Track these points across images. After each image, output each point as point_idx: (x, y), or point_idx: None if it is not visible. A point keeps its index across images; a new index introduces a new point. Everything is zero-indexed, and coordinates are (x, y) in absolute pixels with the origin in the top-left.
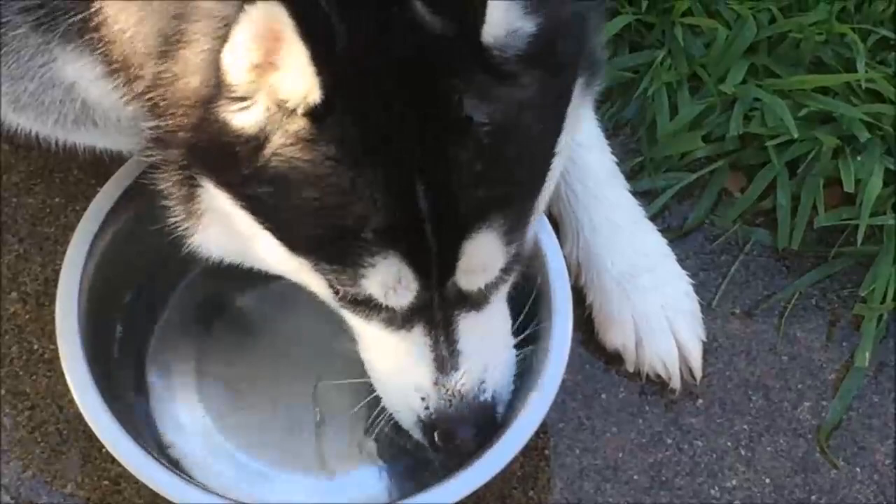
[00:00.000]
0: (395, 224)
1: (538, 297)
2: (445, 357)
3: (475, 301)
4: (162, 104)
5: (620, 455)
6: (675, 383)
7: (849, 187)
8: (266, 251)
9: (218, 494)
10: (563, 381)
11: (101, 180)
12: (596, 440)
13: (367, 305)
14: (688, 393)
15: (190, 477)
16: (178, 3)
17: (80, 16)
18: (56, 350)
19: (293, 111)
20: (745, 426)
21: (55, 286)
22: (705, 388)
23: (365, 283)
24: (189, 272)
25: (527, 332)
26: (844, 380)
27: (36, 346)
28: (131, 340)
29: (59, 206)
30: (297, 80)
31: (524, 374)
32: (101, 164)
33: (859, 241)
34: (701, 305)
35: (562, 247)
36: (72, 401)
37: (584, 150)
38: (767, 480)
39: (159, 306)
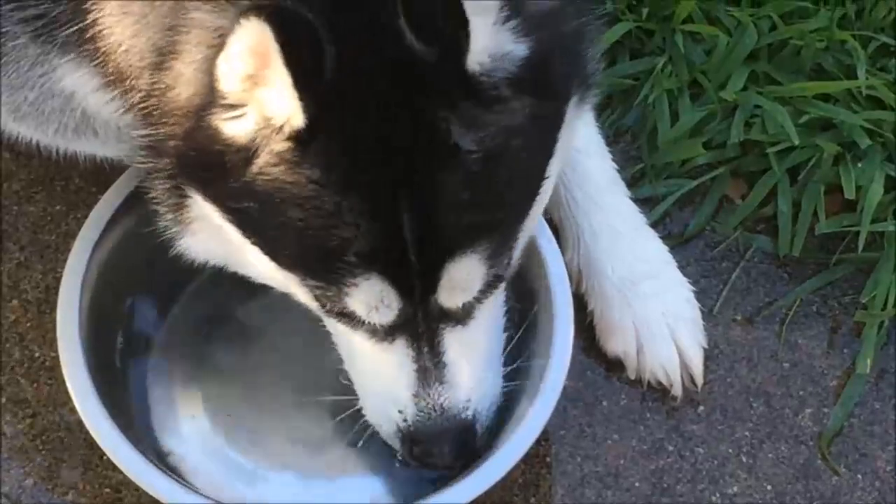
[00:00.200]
0: (378, 248)
1: (537, 306)
2: (430, 369)
3: (459, 316)
4: (155, 114)
5: (622, 462)
6: (677, 390)
7: (850, 194)
8: (254, 263)
9: (218, 502)
10: (565, 388)
11: (102, 188)
12: (597, 447)
13: (351, 318)
14: (689, 400)
15: (190, 484)
16: (171, 15)
17: (76, 27)
18: (57, 358)
19: (280, 128)
20: (747, 433)
21: (56, 294)
22: (706, 394)
23: (348, 300)
24: (191, 280)
25: (516, 364)
26: (846, 386)
27: (37, 354)
28: (132, 349)
29: (60, 214)
30: (282, 102)
31: (525, 381)
32: (102, 173)
33: (860, 248)
34: (702, 312)
35: (562, 253)
36: (73, 408)
37: (585, 156)
38: (769, 487)
39: (161, 314)
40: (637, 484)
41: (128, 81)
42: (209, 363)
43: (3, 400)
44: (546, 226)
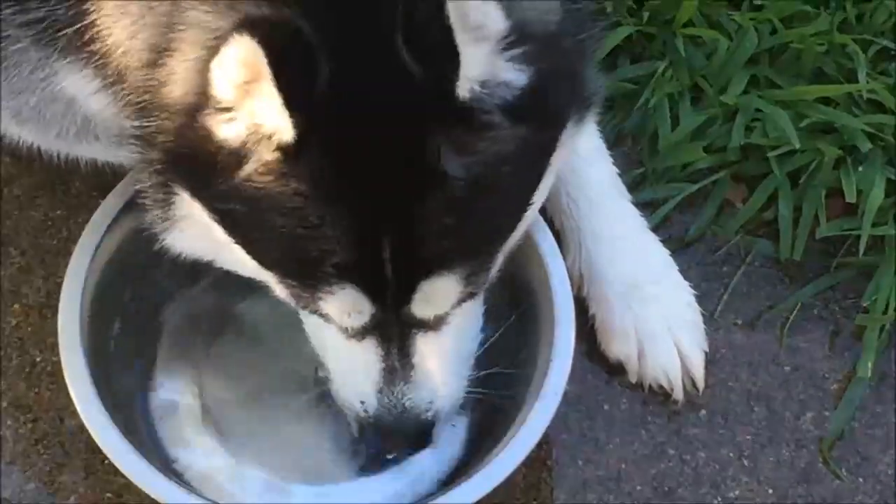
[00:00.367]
0: (355, 262)
1: (538, 310)
2: (397, 369)
3: (431, 324)
4: (148, 107)
5: (623, 466)
6: (678, 394)
7: (850, 198)
8: (236, 260)
9: None
10: (566, 393)
11: (103, 193)
12: (598, 451)
13: (324, 317)
14: (690, 404)
15: (193, 488)
16: (169, 14)
17: (75, 29)
18: (58, 362)
19: (270, 138)
20: (748, 437)
21: (57, 298)
22: (708, 398)
23: (322, 304)
24: (192, 284)
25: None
26: (847, 390)
27: (38, 359)
28: (132, 349)
29: (61, 218)
30: (272, 117)
31: (526, 385)
32: (103, 177)
33: (861, 252)
34: (703, 316)
35: (564, 258)
36: (74, 413)
37: (586, 160)
38: (770, 491)
39: (162, 318)
40: (638, 488)
41: (126, 81)
42: (212, 366)
43: (5, 404)
44: (547, 229)
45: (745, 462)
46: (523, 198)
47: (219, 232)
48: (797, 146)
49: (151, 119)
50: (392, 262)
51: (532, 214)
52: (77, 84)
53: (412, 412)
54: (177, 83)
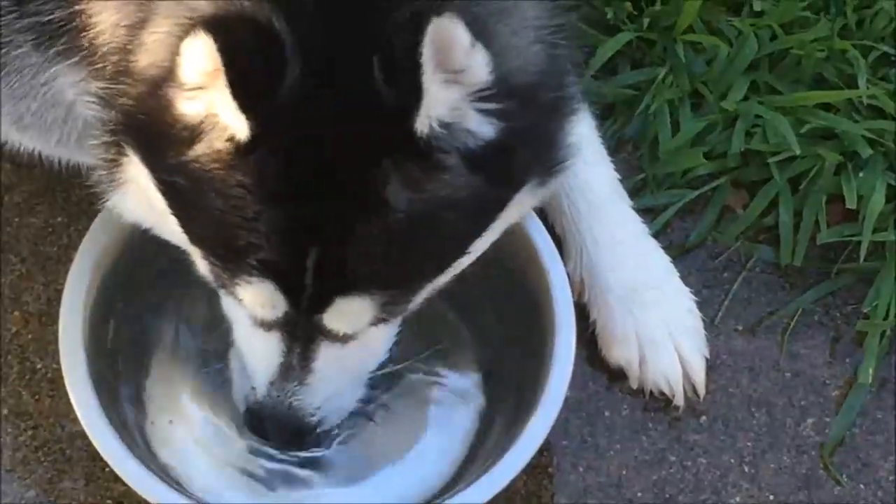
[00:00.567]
0: (280, 263)
1: (539, 316)
2: (294, 368)
3: (339, 337)
4: (111, 70)
5: (624, 472)
6: (679, 400)
7: (851, 203)
8: (170, 229)
9: None
10: (567, 399)
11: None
12: (599, 458)
13: (239, 301)
14: (691, 410)
15: (194, 495)
16: None
17: (71, 30)
18: (59, 369)
19: (225, 129)
20: (749, 443)
21: (57, 305)
22: (709, 404)
23: (239, 290)
24: (191, 289)
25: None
26: (848, 396)
27: (38, 366)
28: (132, 356)
29: (61, 225)
30: (228, 114)
31: (527, 391)
32: None
33: (862, 258)
34: (704, 322)
35: (565, 264)
36: (75, 420)
37: (587, 166)
38: (771, 497)
39: (161, 325)
40: (639, 494)
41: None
42: (213, 369)
43: (5, 412)
44: (548, 236)
45: (746, 468)
46: (460, 246)
47: (159, 200)
48: (797, 152)
49: (114, 82)
50: (314, 271)
51: (466, 262)
52: (77, 88)
53: (296, 412)
54: (143, 54)
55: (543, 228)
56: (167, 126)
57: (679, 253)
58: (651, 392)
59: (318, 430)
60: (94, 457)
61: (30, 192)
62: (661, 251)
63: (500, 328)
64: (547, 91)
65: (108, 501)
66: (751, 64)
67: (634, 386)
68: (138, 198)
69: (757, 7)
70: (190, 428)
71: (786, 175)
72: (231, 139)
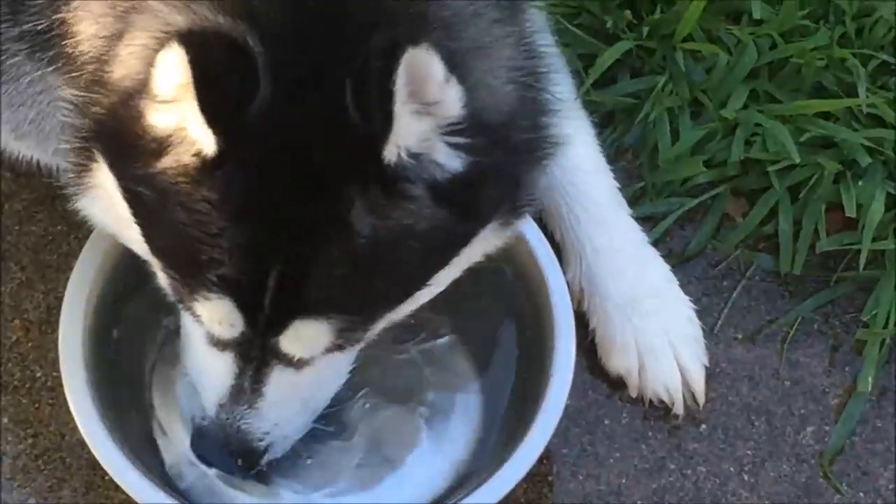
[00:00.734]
0: (240, 282)
1: (539, 325)
2: (245, 391)
3: (294, 362)
4: (88, 81)
5: (623, 481)
6: (678, 409)
7: (850, 212)
8: (133, 238)
9: None
10: (566, 407)
11: None
12: (599, 466)
13: (196, 318)
14: (691, 418)
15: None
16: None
17: (58, 35)
18: (59, 377)
19: (193, 143)
20: (748, 451)
21: (58, 314)
22: (708, 413)
23: (197, 306)
24: None
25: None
26: (847, 405)
27: (38, 374)
28: (132, 364)
29: (61, 234)
30: (196, 130)
31: (527, 400)
32: None
33: (861, 266)
34: (703, 330)
35: (564, 272)
36: (75, 428)
37: (587, 174)
38: None
39: (161, 333)
40: (639, 502)
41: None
42: None
43: (5, 420)
44: (547, 244)
45: (746, 477)
46: (422, 277)
47: (124, 209)
48: (797, 160)
49: (90, 91)
50: (274, 292)
51: (427, 294)
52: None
53: (243, 436)
54: (118, 65)
55: (543, 236)
56: (136, 137)
57: (678, 261)
58: (651, 400)
59: (264, 458)
60: (94, 465)
61: (30, 201)
62: (661, 259)
63: (499, 336)
64: (519, 131)
65: None
66: (750, 72)
67: (634, 394)
68: (105, 203)
69: (756, 15)
70: None
71: (785, 183)
72: (198, 154)
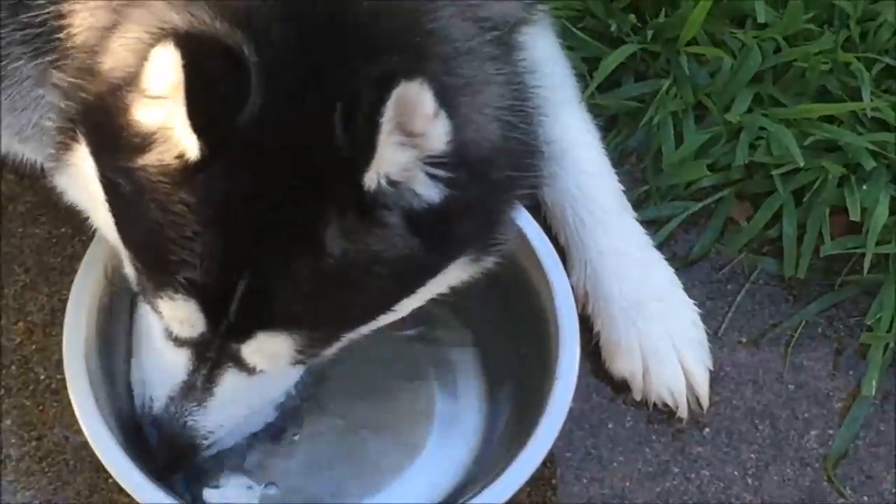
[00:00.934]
0: (207, 287)
1: (543, 328)
2: (196, 388)
3: (248, 367)
4: (76, 66)
5: (627, 484)
6: (682, 412)
7: (855, 216)
8: (105, 224)
9: None
10: (570, 410)
11: None
12: (603, 469)
13: (157, 313)
14: (695, 422)
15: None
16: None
17: (59, 36)
18: (62, 380)
19: (177, 145)
20: (752, 455)
21: (61, 316)
22: (712, 416)
23: (161, 303)
24: None
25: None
26: (851, 408)
27: (42, 376)
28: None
29: (65, 236)
30: (182, 133)
31: (531, 404)
32: None
33: (865, 270)
34: (707, 334)
35: (569, 275)
36: (78, 430)
37: (592, 177)
38: None
39: None
40: None
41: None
42: None
43: (9, 422)
44: (552, 247)
45: (750, 480)
46: (386, 302)
47: (100, 195)
48: (801, 164)
49: (76, 77)
50: (240, 301)
51: (389, 319)
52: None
53: (189, 432)
54: (110, 57)
55: (547, 240)
56: (121, 129)
57: (683, 265)
58: (654, 404)
59: (204, 455)
60: (98, 467)
61: (33, 204)
62: (665, 263)
63: (504, 340)
64: (499, 169)
65: None
66: (754, 76)
67: (638, 398)
68: (81, 184)
69: (761, 19)
70: None
71: (789, 187)
72: (181, 156)
